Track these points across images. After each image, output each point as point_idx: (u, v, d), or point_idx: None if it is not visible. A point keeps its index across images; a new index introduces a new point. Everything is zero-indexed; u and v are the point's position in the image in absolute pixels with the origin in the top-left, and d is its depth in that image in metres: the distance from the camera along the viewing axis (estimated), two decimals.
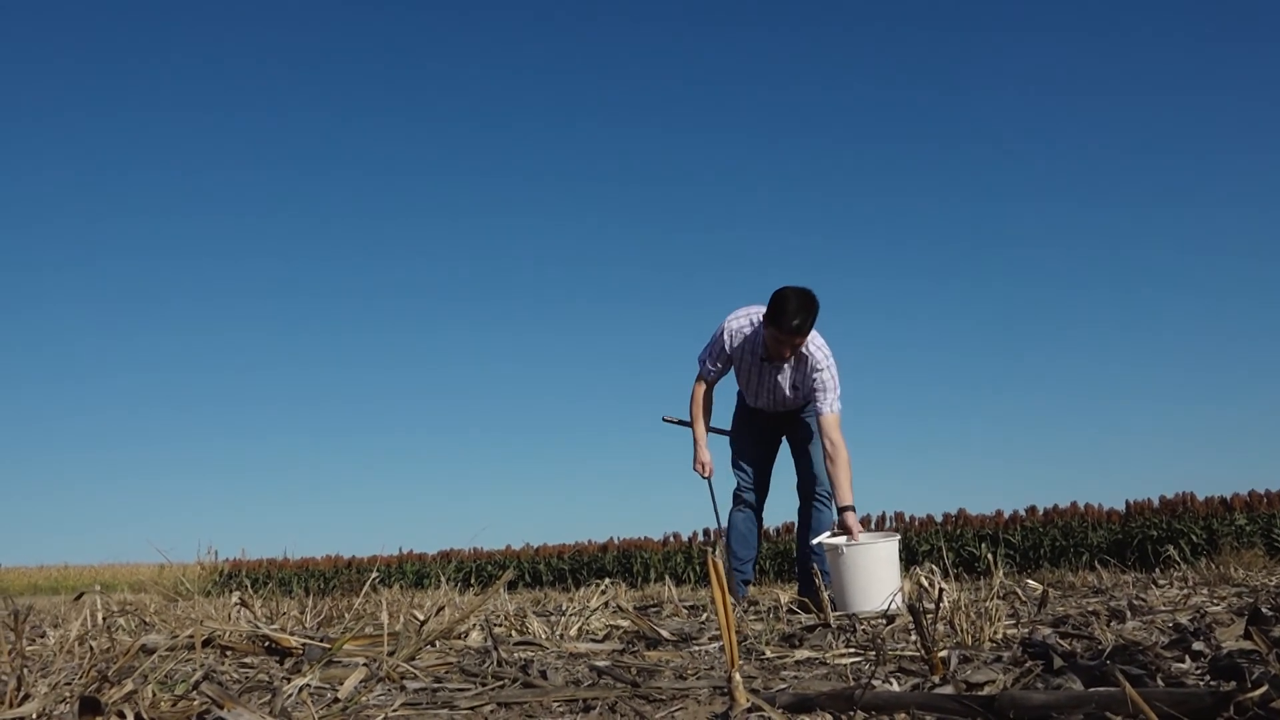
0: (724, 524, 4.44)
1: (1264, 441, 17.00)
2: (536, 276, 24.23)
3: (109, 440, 24.76)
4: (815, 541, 4.01)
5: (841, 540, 3.77)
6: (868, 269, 22.32)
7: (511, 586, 12.12)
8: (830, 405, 4.13)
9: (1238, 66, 20.39)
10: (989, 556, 4.13)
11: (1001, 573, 3.11)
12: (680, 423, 4.52)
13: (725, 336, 4.30)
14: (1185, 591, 3.53)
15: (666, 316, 20.73)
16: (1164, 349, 20.17)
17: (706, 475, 4.41)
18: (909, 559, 10.16)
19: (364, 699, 1.58)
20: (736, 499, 4.40)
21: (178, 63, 23.60)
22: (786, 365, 4.21)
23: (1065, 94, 21.83)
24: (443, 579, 4.32)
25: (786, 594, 3.86)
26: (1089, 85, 21.65)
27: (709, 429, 4.45)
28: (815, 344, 4.14)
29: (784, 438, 4.47)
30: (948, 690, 1.45)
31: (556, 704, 1.54)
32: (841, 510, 3.99)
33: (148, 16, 23.15)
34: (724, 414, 4.56)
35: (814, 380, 4.14)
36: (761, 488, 4.43)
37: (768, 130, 23.59)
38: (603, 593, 3.13)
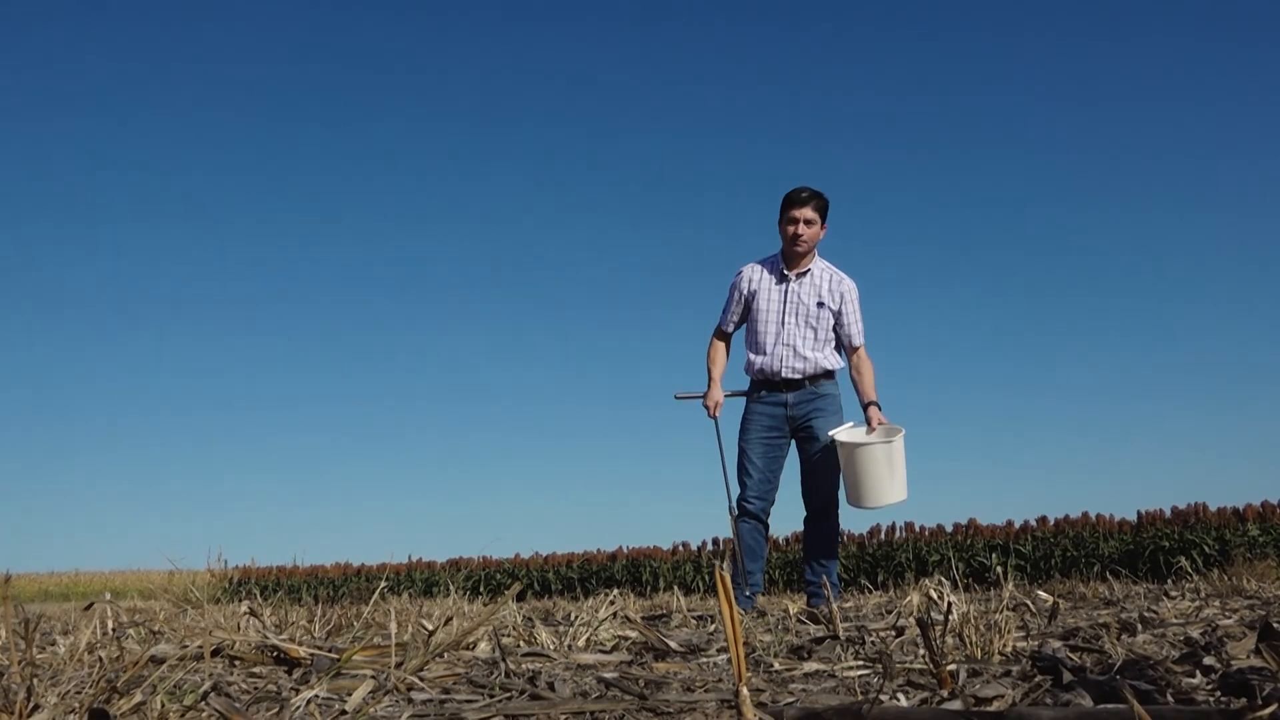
0: (731, 486, 4.39)
1: (1277, 451, 16.91)
2: (548, 283, 24.27)
3: (120, 447, 24.87)
4: (831, 433, 4.19)
5: (851, 439, 4.13)
6: (877, 274, 22.30)
7: (520, 595, 12.11)
8: (860, 335, 4.35)
9: (1261, 70, 20.34)
10: (999, 567, 4.15)
11: (1012, 584, 3.11)
12: (693, 396, 4.50)
13: (741, 275, 4.43)
14: (1197, 603, 3.51)
15: (678, 324, 20.72)
16: (1176, 358, 20.09)
17: (714, 415, 4.40)
18: (919, 569, 10.12)
19: (371, 710, 1.58)
20: (741, 509, 4.31)
21: (176, 65, 23.75)
22: (809, 280, 4.28)
23: (1083, 98, 21.81)
24: (452, 587, 4.33)
25: (795, 605, 3.86)
26: (1108, 89, 21.62)
27: (726, 394, 4.47)
28: (838, 271, 4.36)
29: (793, 443, 4.38)
30: (956, 705, 1.45)
31: (564, 716, 1.54)
32: (866, 406, 4.28)
33: (148, 17, 23.32)
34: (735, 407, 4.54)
35: (843, 296, 4.31)
36: (767, 495, 4.32)
37: (779, 133, 23.61)
38: (611, 603, 3.13)
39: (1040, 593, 3.94)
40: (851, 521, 15.03)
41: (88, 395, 25.05)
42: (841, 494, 4.26)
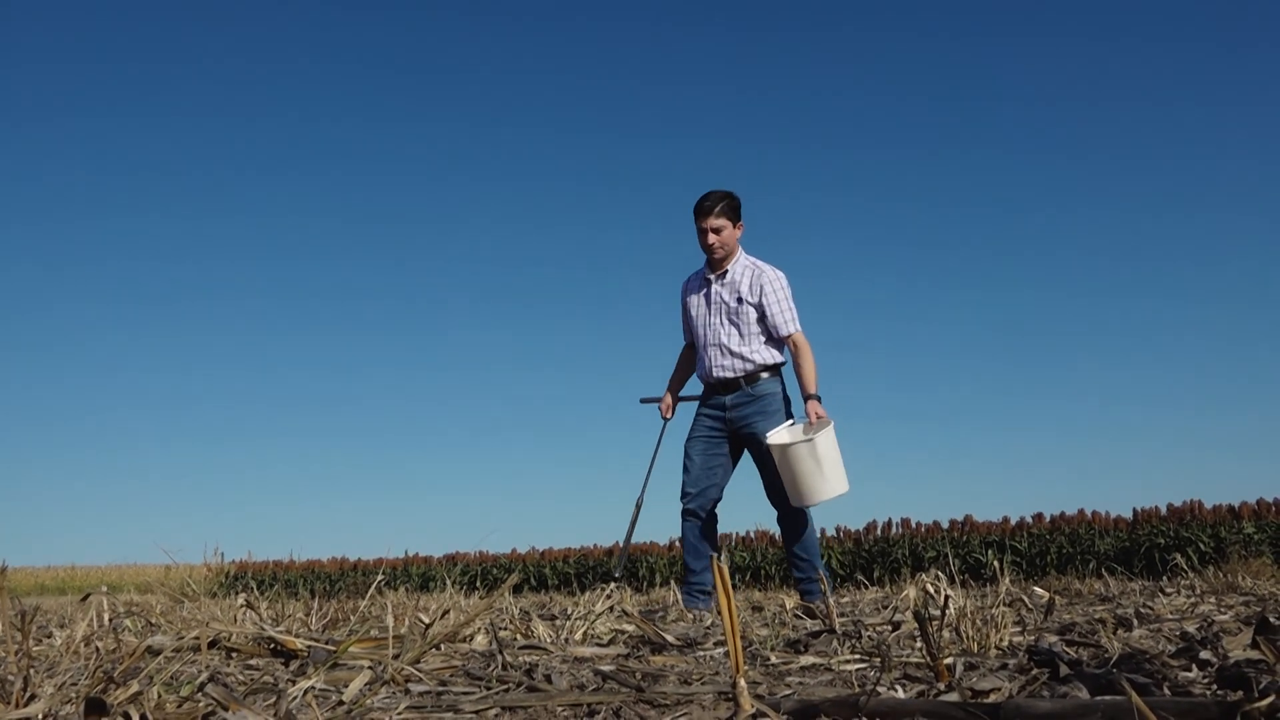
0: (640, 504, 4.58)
1: (1272, 449, 16.95)
2: (544, 281, 24.25)
3: (117, 441, 24.83)
4: (768, 437, 4.20)
5: (779, 441, 4.13)
6: (876, 274, 22.31)
7: (517, 590, 12.11)
8: (788, 324, 4.28)
9: (1249, 71, 20.35)
10: (995, 563, 4.14)
11: (1008, 580, 3.11)
12: (653, 400, 4.73)
13: (681, 289, 4.57)
14: (1193, 600, 3.52)
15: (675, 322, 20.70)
16: (1172, 355, 20.11)
17: (665, 416, 4.62)
18: (915, 565, 10.13)
19: (368, 702, 1.58)
20: (683, 512, 4.32)
21: (181, 65, 23.71)
22: (729, 279, 4.32)
23: (1074, 99, 21.81)
24: (448, 582, 4.31)
25: (791, 600, 3.86)
26: (1099, 90, 21.63)
27: (682, 397, 4.65)
28: (761, 264, 4.35)
29: (744, 450, 4.37)
30: (953, 697, 1.45)
31: (561, 708, 1.54)
32: (807, 399, 4.23)
33: (152, 19, 23.26)
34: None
35: (763, 288, 4.27)
36: (705, 492, 4.31)
37: (775, 136, 23.60)
38: (608, 597, 3.13)
39: (1036, 589, 3.94)
40: (847, 518, 15.05)
41: (85, 390, 25.02)
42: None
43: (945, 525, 10.83)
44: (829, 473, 4.05)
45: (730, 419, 4.29)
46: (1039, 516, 10.37)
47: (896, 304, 21.96)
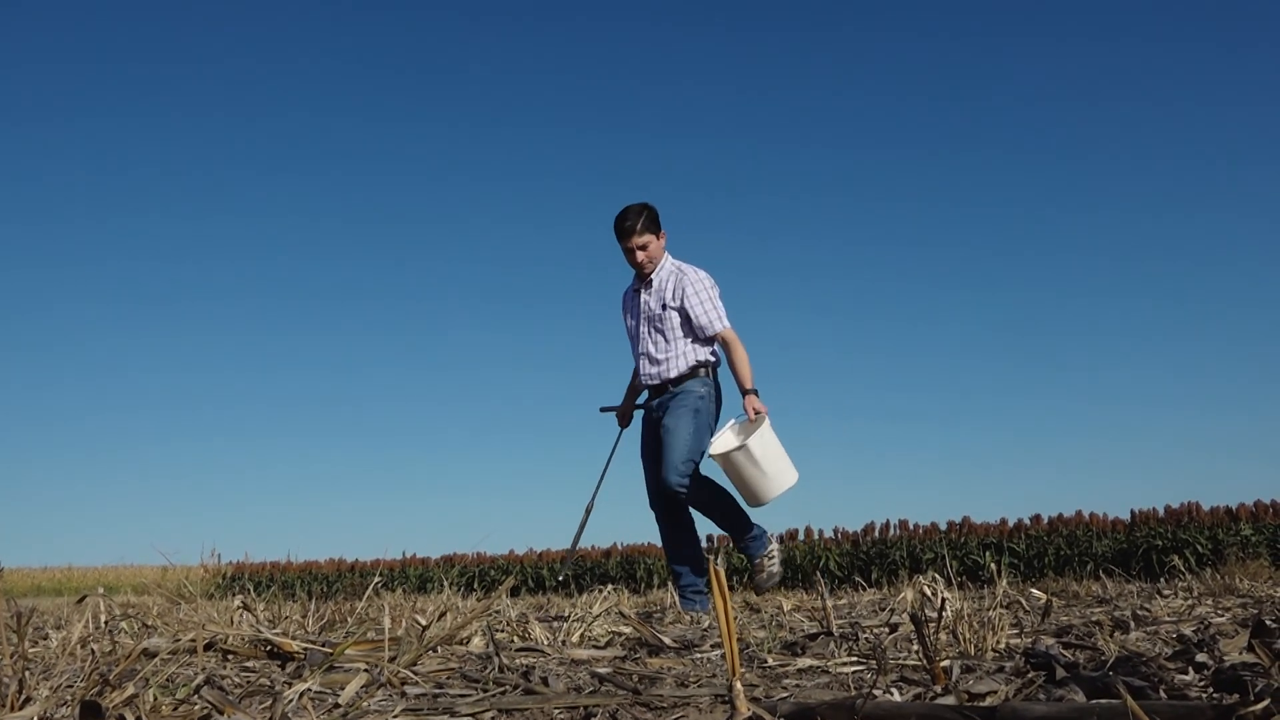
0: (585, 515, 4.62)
1: (1270, 451, 16.97)
2: (544, 281, 24.24)
3: (114, 442, 24.80)
4: (710, 453, 4.18)
5: (720, 448, 4.11)
6: (876, 274, 22.31)
7: (514, 592, 12.10)
8: (715, 322, 4.27)
9: (1249, 71, 20.37)
10: (993, 565, 4.13)
11: (1005, 581, 3.11)
12: (612, 409, 4.80)
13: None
14: (1190, 602, 3.52)
15: None
16: (1171, 356, 20.13)
17: (621, 425, 4.67)
18: (913, 567, 10.13)
19: (365, 704, 1.58)
20: (656, 517, 4.38)
21: (185, 64, 23.70)
22: (654, 287, 4.35)
23: (1074, 99, 21.83)
24: (445, 583, 4.32)
25: (789, 601, 3.86)
26: (1099, 90, 21.64)
27: (638, 406, 4.67)
28: (684, 267, 4.36)
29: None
30: (949, 700, 1.45)
31: (558, 710, 1.54)
32: (744, 394, 4.22)
33: (152, 19, 23.25)
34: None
35: (685, 290, 4.28)
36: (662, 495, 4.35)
37: (775, 136, 23.60)
38: (605, 599, 3.13)
39: (1034, 590, 3.94)
40: (845, 519, 15.06)
41: (85, 390, 25.00)
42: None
43: (943, 527, 10.82)
44: (771, 469, 4.05)
45: (656, 419, 4.37)
46: (1037, 518, 10.37)
47: (896, 304, 21.99)
